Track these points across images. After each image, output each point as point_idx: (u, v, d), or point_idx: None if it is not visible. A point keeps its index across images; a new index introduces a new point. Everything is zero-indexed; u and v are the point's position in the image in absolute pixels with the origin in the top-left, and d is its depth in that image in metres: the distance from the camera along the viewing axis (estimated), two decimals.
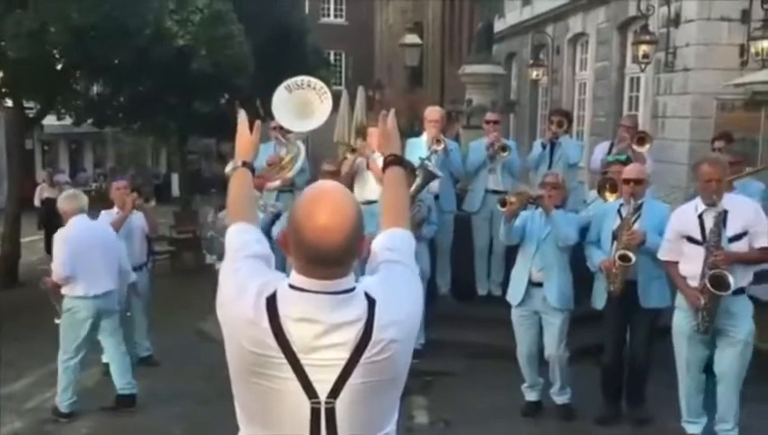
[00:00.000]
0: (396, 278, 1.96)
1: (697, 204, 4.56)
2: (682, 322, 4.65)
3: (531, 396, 5.45)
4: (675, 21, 10.00)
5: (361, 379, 1.78)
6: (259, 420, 1.87)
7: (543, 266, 5.17)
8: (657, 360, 5.20)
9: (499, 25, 15.72)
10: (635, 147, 6.74)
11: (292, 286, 1.80)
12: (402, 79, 22.19)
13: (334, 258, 1.77)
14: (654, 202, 5.28)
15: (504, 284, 6.10)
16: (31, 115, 13.40)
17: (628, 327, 5.13)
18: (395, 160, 2.30)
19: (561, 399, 5.37)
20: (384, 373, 1.82)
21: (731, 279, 4.26)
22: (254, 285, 1.82)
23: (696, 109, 9.71)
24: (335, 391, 1.77)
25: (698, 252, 4.44)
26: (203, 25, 10.13)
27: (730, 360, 4.52)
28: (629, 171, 5.15)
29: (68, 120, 15.50)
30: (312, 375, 1.76)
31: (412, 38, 17.58)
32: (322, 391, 1.77)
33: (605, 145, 7.29)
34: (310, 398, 1.77)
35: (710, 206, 4.43)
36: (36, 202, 15.03)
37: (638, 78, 11.55)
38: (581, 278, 5.55)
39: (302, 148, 8.09)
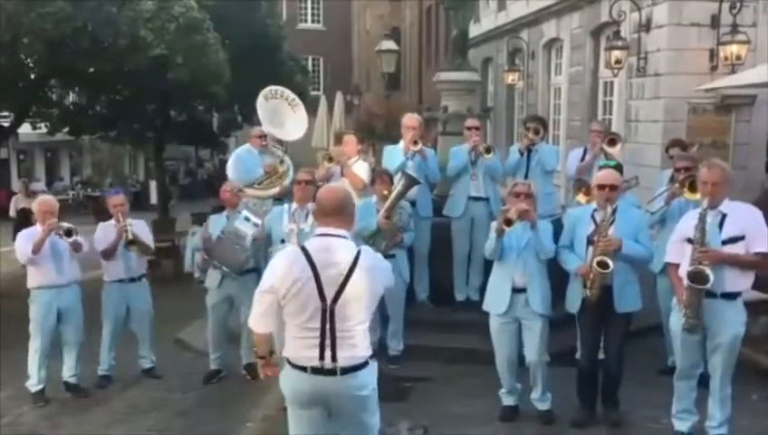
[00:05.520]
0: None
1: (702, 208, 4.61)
2: (676, 322, 4.71)
3: (508, 401, 5.49)
4: (646, 26, 10.17)
5: (351, 289, 3.32)
6: (296, 316, 3.36)
7: (525, 273, 5.17)
8: (629, 360, 5.29)
9: (475, 30, 15.83)
10: (606, 147, 6.84)
11: (317, 235, 3.47)
12: (380, 84, 22.24)
13: (333, 209, 3.44)
14: (629, 207, 5.31)
15: (482, 288, 6.14)
16: (5, 124, 13.29)
17: (603, 331, 5.20)
18: None
19: (542, 405, 5.39)
20: (363, 287, 3.35)
21: (710, 273, 4.30)
22: (285, 255, 3.46)
23: (667, 113, 9.88)
24: (336, 298, 3.32)
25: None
26: (179, 34, 10.08)
27: (716, 361, 4.61)
28: (604, 177, 5.15)
29: (43, 129, 15.39)
30: (324, 288, 3.30)
31: (389, 44, 17.62)
32: (328, 297, 3.31)
33: (579, 151, 7.37)
34: (322, 300, 3.32)
35: (708, 208, 4.49)
36: (12, 212, 14.91)
37: (612, 82, 11.71)
38: (556, 282, 5.63)
39: (285, 155, 8.11)
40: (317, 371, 3.34)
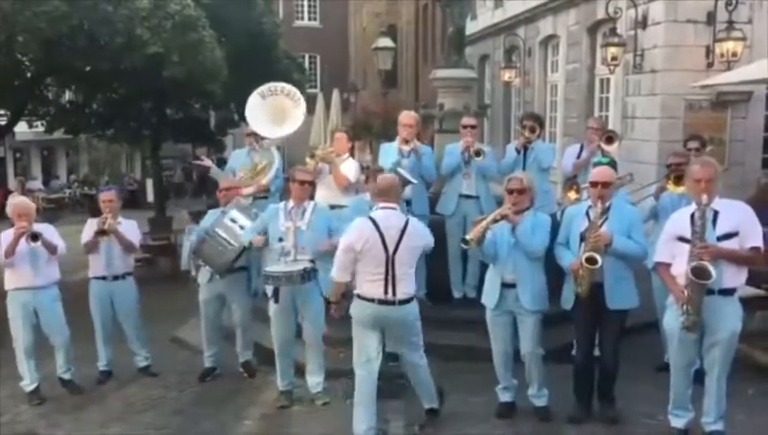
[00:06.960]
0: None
1: (692, 206, 4.61)
2: (671, 320, 4.70)
3: (505, 397, 5.50)
4: (642, 23, 10.18)
5: (404, 244, 4.85)
6: (367, 264, 4.86)
7: (516, 270, 5.20)
8: (625, 356, 5.30)
9: (471, 28, 15.82)
10: (603, 145, 6.83)
11: (379, 208, 4.99)
12: (377, 81, 22.21)
13: (386, 191, 5.03)
14: (623, 205, 5.32)
15: (479, 286, 6.14)
16: (2, 123, 13.27)
17: (597, 328, 5.21)
18: None
19: (539, 401, 5.40)
20: (412, 243, 4.92)
21: (712, 269, 4.30)
22: (359, 223, 4.95)
23: (664, 109, 9.89)
24: (395, 250, 4.83)
25: (687, 250, 4.48)
26: (174, 32, 10.07)
27: (713, 357, 4.62)
28: (597, 174, 5.17)
29: (40, 128, 15.35)
30: (387, 244, 4.82)
31: (385, 42, 17.60)
32: (390, 250, 4.82)
33: (575, 148, 7.37)
34: (386, 252, 4.83)
35: (699, 205, 4.48)
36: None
37: (608, 79, 11.71)
38: (552, 279, 5.62)
39: (276, 154, 8.06)
40: (382, 302, 4.86)
